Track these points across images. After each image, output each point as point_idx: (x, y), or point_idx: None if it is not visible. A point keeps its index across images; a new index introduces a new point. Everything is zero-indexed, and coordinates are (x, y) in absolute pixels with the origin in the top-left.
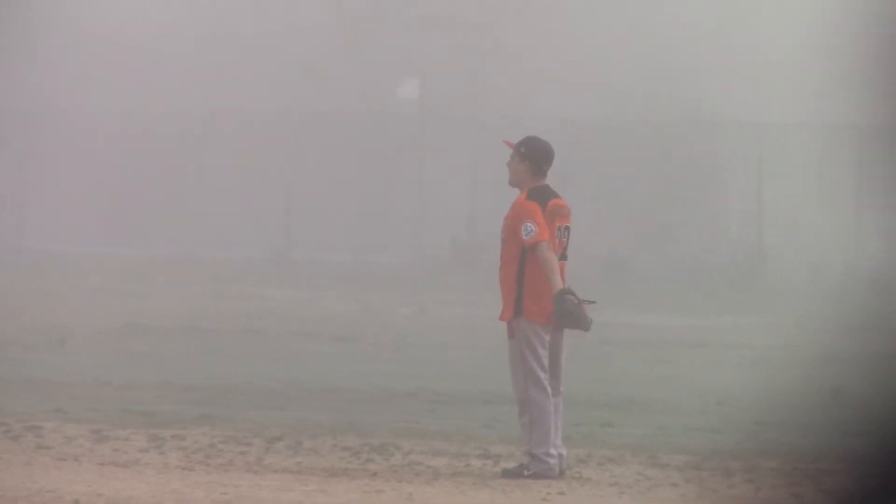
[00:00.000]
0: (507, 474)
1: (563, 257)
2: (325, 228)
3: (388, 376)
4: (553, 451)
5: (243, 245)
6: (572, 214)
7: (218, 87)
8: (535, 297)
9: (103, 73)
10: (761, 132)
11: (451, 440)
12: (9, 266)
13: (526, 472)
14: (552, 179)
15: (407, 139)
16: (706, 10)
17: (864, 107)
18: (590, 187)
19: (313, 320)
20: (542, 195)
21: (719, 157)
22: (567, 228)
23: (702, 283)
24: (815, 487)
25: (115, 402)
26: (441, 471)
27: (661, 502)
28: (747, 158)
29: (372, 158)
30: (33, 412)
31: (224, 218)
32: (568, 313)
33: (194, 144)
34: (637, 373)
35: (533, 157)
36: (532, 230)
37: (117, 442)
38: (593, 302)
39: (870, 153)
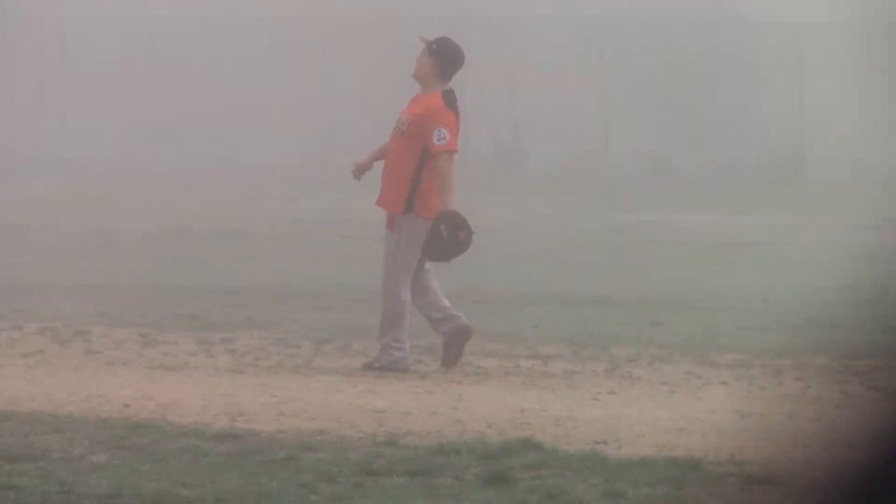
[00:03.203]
0: (366, 367)
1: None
2: (362, 133)
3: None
4: (405, 343)
5: (280, 150)
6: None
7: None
8: (429, 195)
9: None
10: (801, 32)
11: (501, 340)
12: (50, 171)
13: (377, 364)
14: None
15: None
16: None
17: None
18: (630, 86)
19: (353, 223)
20: (454, 103)
21: (760, 57)
22: None
23: (742, 182)
24: (864, 384)
25: (162, 306)
26: (491, 371)
27: (711, 400)
28: (788, 59)
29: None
30: (81, 317)
31: (260, 124)
32: (433, 240)
33: (221, 52)
34: (682, 273)
35: (441, 56)
36: (445, 137)
37: (166, 346)
38: (473, 233)
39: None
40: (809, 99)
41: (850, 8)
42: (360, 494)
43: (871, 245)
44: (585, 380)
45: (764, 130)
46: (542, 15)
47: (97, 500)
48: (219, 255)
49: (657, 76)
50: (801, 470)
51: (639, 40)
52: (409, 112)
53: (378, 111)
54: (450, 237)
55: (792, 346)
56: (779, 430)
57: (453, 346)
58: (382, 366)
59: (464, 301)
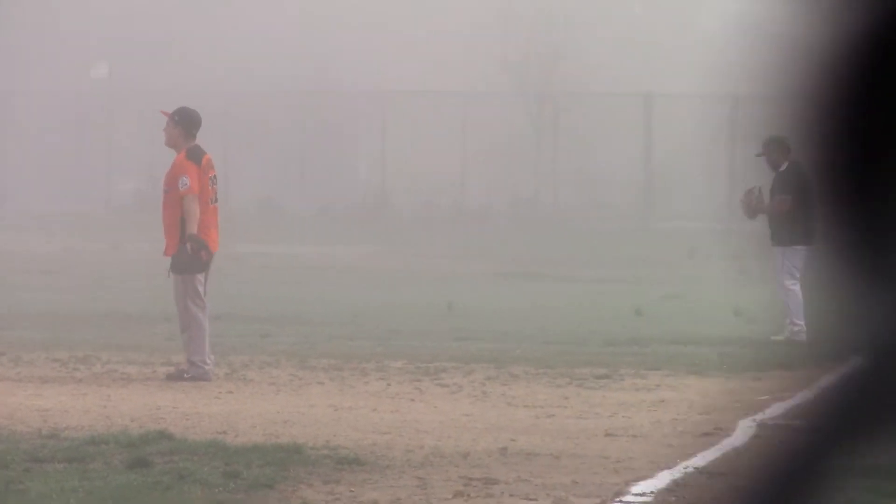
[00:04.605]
0: (170, 377)
1: (214, 200)
2: (32, 184)
3: (88, 301)
4: (208, 359)
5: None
6: (220, 166)
7: None
8: (198, 233)
9: None
10: (385, 100)
11: (141, 351)
12: None
13: (186, 376)
14: (212, 141)
15: (99, 112)
16: None
17: (470, 72)
18: (251, 146)
19: (23, 259)
20: (197, 155)
21: (353, 121)
22: (215, 177)
23: (336, 219)
24: (433, 382)
25: None
26: (133, 376)
27: (310, 397)
28: (375, 122)
29: (68, 129)
30: None
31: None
32: (180, 258)
33: None
34: (288, 293)
35: (184, 123)
36: (186, 184)
37: None
38: (211, 253)
39: (474, 115)
40: (389, 154)
41: (426, 79)
42: (28, 478)
43: (441, 270)
44: (209, 382)
45: (353, 178)
46: (184, 90)
47: None
48: None
49: (271, 136)
50: (383, 452)
51: (256, 108)
52: (165, 175)
53: (45, 167)
54: (193, 255)
55: (375, 352)
56: (365, 420)
57: (182, 376)
58: (192, 377)
59: (111, 319)
